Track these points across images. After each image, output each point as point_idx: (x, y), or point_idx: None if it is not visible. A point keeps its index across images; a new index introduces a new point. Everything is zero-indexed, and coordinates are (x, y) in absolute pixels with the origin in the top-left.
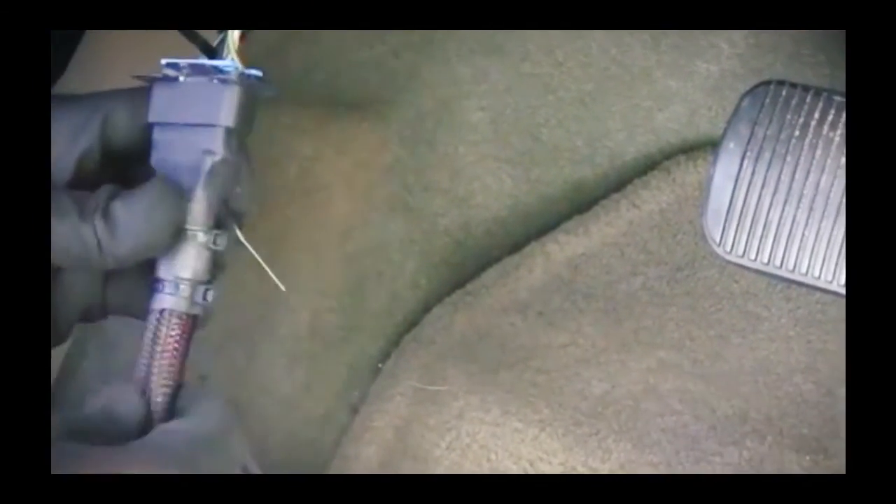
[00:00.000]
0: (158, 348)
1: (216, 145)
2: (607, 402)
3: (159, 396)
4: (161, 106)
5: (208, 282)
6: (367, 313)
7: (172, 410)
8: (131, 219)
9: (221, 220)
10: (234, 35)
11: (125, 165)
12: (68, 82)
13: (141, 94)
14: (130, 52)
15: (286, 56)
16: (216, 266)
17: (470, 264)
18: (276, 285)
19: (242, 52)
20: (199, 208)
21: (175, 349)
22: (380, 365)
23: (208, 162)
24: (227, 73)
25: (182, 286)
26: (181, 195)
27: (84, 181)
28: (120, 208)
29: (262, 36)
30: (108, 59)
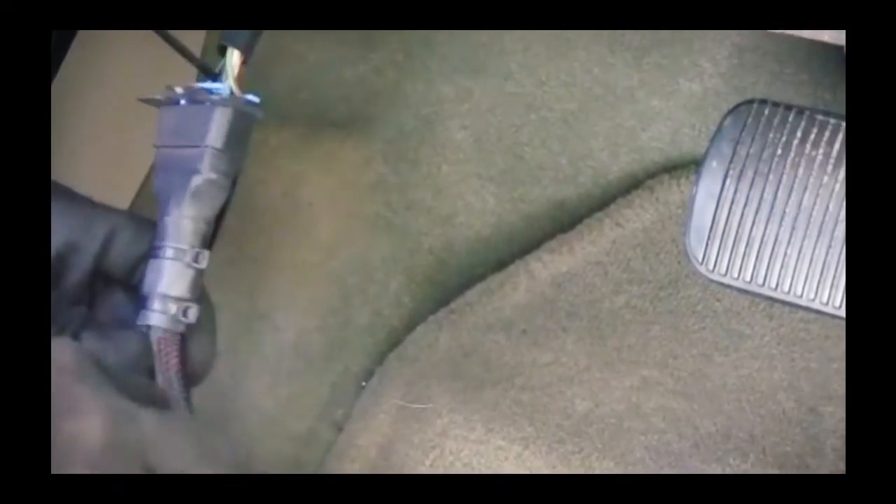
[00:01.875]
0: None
1: (202, 165)
2: (591, 421)
3: None
4: (165, 129)
5: (190, 300)
6: (351, 331)
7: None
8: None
9: (206, 239)
10: (233, 59)
11: (108, 282)
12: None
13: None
14: (125, 57)
15: (271, 76)
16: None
17: (453, 283)
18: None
19: (242, 78)
20: (183, 226)
21: (167, 365)
22: (363, 383)
23: (193, 181)
24: (218, 94)
25: (168, 303)
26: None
27: (63, 283)
28: (88, 339)
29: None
30: (102, 62)
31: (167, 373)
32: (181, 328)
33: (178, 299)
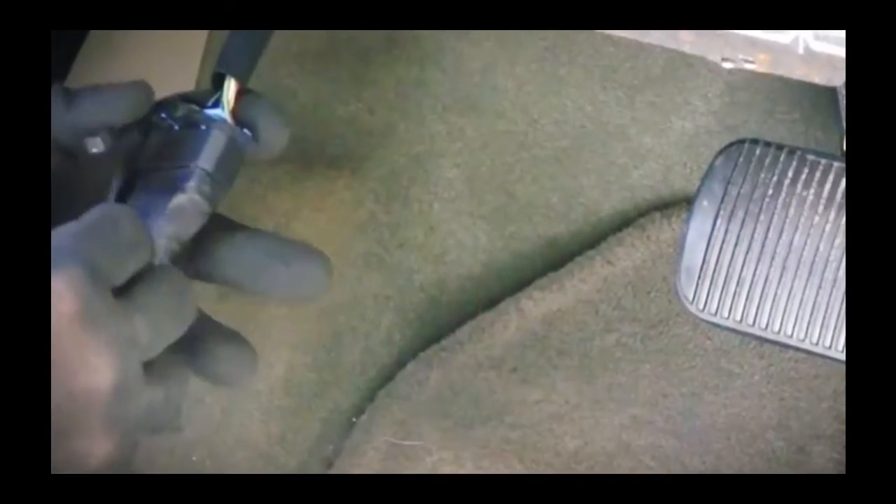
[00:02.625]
0: None
1: (188, 184)
2: (580, 459)
3: None
4: (151, 150)
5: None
6: (341, 368)
7: None
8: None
9: (176, 260)
10: (230, 90)
11: None
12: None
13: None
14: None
15: None
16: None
17: (444, 320)
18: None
19: (237, 109)
20: (157, 244)
21: None
22: (354, 420)
23: (176, 199)
24: (215, 120)
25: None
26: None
27: None
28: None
29: None
30: (111, 64)
31: None
32: None
33: None
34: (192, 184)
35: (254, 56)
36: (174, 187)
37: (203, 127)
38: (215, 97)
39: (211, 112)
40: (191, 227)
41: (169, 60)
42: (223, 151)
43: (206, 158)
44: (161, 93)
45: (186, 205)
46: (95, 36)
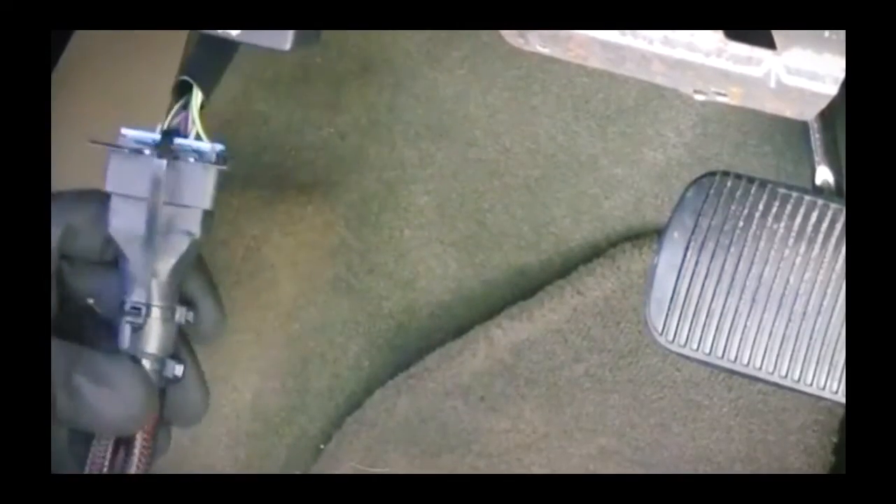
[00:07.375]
0: None
1: (196, 227)
2: None
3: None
4: (121, 176)
5: (174, 356)
6: (309, 394)
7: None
8: (98, 401)
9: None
10: (196, 104)
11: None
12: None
13: (102, 206)
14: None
15: (235, 136)
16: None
17: (413, 347)
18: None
19: (204, 123)
20: (172, 285)
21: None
22: (321, 446)
23: (187, 242)
24: (205, 154)
25: (146, 361)
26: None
27: None
28: (85, 385)
29: (211, 115)
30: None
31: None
32: (163, 383)
33: (161, 357)
34: (199, 226)
35: (220, 67)
36: (181, 230)
37: (192, 160)
38: (177, 108)
39: (200, 145)
40: (190, 262)
41: (148, 63)
42: (216, 185)
43: (209, 198)
44: (140, 94)
45: (194, 247)
46: (77, 39)
